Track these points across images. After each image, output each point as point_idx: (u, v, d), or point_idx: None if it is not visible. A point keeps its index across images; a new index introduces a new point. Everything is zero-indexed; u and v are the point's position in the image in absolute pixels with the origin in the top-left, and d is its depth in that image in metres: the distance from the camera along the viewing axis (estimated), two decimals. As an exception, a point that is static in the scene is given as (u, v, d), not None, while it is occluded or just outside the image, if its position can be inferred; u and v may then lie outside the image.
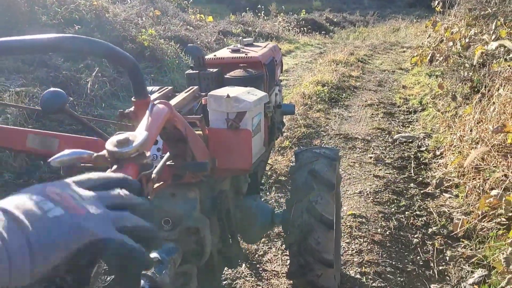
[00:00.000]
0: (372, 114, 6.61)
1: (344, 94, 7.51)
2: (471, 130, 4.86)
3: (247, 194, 2.41)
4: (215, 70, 2.50)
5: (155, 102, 1.12)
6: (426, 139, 5.67)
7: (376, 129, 5.95)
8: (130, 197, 0.64)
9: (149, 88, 2.30)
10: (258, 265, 3.02)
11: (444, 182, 4.40)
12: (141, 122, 0.95)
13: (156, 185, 1.29)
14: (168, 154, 1.39)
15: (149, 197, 0.81)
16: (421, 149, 5.38)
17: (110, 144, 0.75)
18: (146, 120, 0.96)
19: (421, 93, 7.43)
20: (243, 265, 2.98)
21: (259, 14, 14.44)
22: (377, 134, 5.82)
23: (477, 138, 4.62)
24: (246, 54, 2.69)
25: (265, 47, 3.00)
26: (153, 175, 0.85)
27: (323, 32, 18.16)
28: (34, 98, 4.58)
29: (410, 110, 6.85)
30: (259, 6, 15.28)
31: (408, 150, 5.37)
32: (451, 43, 7.54)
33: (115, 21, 7.47)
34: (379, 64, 10.16)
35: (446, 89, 6.14)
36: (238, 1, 32.62)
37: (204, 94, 2.00)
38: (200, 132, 1.75)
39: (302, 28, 15.13)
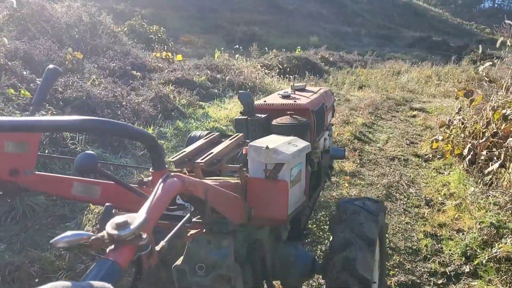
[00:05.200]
0: (379, 289, 3.15)
1: (326, 227, 4.02)
2: None
3: (289, 241, 2.21)
4: (263, 116, 2.47)
5: (169, 175, 1.15)
6: None
7: None
8: None
9: (197, 133, 2.58)
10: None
11: None
12: (148, 199, 0.99)
13: (193, 231, 1.54)
14: (188, 215, 1.34)
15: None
16: None
17: (110, 226, 0.76)
18: (153, 196, 1.01)
19: (463, 226, 3.99)
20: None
21: (236, 55, 11.03)
22: None
23: None
24: (295, 101, 2.59)
25: (316, 92, 2.93)
26: (163, 244, 0.93)
27: (316, 74, 14.80)
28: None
29: (449, 272, 3.40)
30: (236, 45, 11.88)
31: None
32: (511, 141, 4.15)
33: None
34: (383, 142, 6.68)
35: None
36: (234, 32, 29.65)
37: (248, 141, 1.98)
38: (239, 181, 1.75)
39: (287, 76, 11.69)
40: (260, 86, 9.56)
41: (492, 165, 4.33)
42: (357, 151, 5.91)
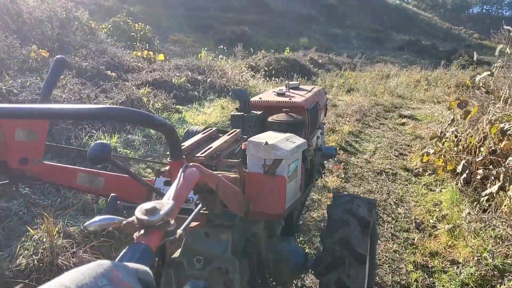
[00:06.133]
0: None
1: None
2: None
3: (282, 236, 2.19)
4: (259, 113, 2.48)
5: (188, 165, 1.13)
6: None
7: None
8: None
9: (194, 128, 2.54)
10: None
11: None
12: (172, 186, 1.00)
13: (193, 224, 1.42)
14: (200, 205, 1.33)
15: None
16: None
17: (139, 212, 0.76)
18: (176, 185, 1.00)
19: (457, 256, 3.50)
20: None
21: (220, 56, 10.42)
22: None
23: None
24: (290, 99, 2.61)
25: (310, 91, 2.93)
26: (180, 232, 0.86)
27: (304, 76, 14.30)
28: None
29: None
30: (221, 45, 11.28)
31: None
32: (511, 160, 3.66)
33: None
34: (370, 153, 6.18)
35: None
36: (223, 32, 29.06)
37: (246, 137, 2.02)
38: (237, 176, 1.72)
39: (273, 78, 11.15)
40: (245, 88, 9.00)
41: (489, 185, 3.84)
42: (342, 163, 5.40)
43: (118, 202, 1.36)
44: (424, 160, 5.32)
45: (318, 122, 2.98)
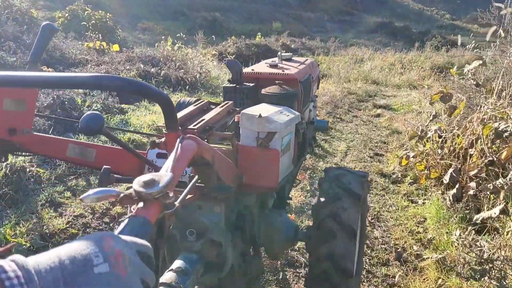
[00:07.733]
0: None
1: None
2: None
3: (274, 208, 2.19)
4: (251, 85, 2.41)
5: (185, 137, 1.09)
6: None
7: None
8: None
9: (186, 100, 2.47)
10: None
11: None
12: (169, 158, 0.95)
13: (187, 197, 1.33)
14: (196, 177, 1.27)
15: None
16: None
17: (137, 184, 0.73)
18: (174, 156, 0.96)
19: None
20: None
21: (182, 46, 9.27)
22: None
23: None
24: (283, 71, 2.52)
25: (303, 63, 2.83)
26: (177, 204, 0.83)
27: (275, 64, 13.30)
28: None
29: None
30: (180, 33, 10.09)
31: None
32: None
33: None
34: (342, 155, 5.26)
35: None
36: (194, 19, 27.77)
37: (238, 109, 1.99)
38: (230, 148, 1.69)
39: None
40: (204, 81, 7.98)
41: (484, 201, 3.01)
42: (309, 171, 4.50)
43: (111, 174, 1.26)
44: (402, 164, 4.46)
45: (311, 94, 2.88)
